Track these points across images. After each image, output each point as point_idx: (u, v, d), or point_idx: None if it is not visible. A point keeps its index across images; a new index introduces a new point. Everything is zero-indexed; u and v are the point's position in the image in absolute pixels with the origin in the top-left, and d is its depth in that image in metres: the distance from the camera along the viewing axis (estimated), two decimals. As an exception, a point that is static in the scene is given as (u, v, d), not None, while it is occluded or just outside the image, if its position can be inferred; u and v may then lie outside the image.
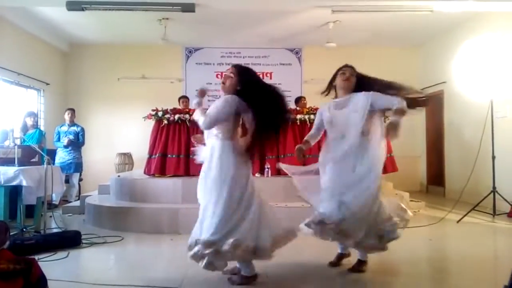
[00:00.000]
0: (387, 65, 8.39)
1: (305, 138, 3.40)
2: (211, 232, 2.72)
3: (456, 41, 6.83)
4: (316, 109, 5.61)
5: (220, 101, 2.85)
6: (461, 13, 6.16)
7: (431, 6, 5.33)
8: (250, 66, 9.26)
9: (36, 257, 3.34)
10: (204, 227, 2.79)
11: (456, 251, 4.02)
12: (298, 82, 8.75)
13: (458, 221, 5.08)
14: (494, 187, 5.31)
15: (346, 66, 3.17)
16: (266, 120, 2.78)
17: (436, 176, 8.12)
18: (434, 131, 8.16)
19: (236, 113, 2.83)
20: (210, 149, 2.87)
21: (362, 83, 3.09)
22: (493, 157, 5.35)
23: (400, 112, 2.81)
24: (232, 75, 2.88)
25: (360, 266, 3.13)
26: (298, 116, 5.61)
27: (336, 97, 3.20)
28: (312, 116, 5.58)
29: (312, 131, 3.37)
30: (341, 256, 3.28)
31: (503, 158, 5.55)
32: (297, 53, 8.83)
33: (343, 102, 3.08)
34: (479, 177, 5.80)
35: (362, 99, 2.97)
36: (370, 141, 2.98)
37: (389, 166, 5.67)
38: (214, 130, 2.84)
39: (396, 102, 2.84)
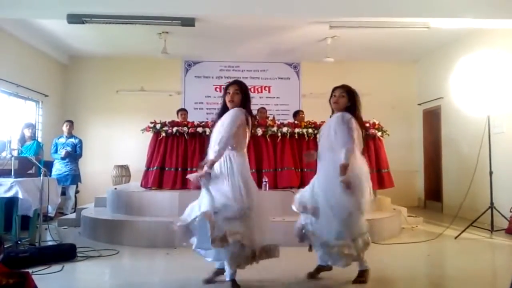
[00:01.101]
0: (384, 80, 8.49)
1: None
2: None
3: (453, 57, 6.90)
4: (314, 123, 5.66)
5: (230, 115, 3.06)
6: (457, 30, 6.25)
7: (427, 22, 5.39)
8: (249, 80, 9.38)
9: (30, 270, 3.30)
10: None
11: (454, 267, 3.99)
12: (296, 96, 8.80)
13: (456, 237, 5.06)
14: (492, 203, 5.30)
15: (336, 88, 3.34)
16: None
17: (433, 191, 8.12)
18: (431, 146, 8.18)
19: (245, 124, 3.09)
20: (224, 160, 3.01)
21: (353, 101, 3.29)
22: (491, 173, 5.35)
23: (342, 170, 3.02)
24: (238, 91, 3.15)
25: (361, 276, 3.13)
26: (296, 130, 5.62)
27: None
28: (310, 130, 5.59)
29: None
30: (320, 268, 3.30)
31: (500, 173, 5.55)
32: (295, 67, 8.90)
33: (328, 121, 3.39)
34: (476, 193, 5.79)
35: (330, 124, 3.26)
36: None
37: (387, 181, 5.67)
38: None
39: (343, 156, 3.04)
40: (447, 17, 5.22)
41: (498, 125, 5.81)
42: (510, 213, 5.44)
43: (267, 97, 8.67)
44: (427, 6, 5.15)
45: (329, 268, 3.29)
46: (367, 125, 5.63)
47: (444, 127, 7.71)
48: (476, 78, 5.40)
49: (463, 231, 5.18)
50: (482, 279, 3.47)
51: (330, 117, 3.39)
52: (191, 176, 3.04)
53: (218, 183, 2.98)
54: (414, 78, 8.71)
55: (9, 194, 4.08)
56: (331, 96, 3.33)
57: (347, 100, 3.25)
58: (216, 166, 3.00)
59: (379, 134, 5.75)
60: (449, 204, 7.27)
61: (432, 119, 8.20)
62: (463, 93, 5.62)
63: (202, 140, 5.55)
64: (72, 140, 6.75)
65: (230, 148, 3.03)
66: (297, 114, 7.03)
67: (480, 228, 5.35)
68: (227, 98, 3.19)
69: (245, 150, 3.18)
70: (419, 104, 8.37)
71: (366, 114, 5.96)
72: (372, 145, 5.69)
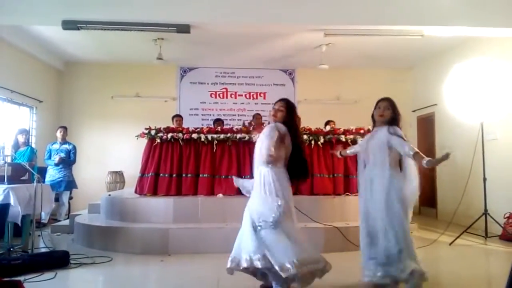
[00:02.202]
0: (379, 87, 8.50)
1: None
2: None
3: (447, 65, 6.96)
4: (309, 129, 5.67)
5: (268, 130, 3.13)
6: (451, 38, 6.31)
7: (421, 30, 5.44)
8: (244, 86, 9.37)
9: (23, 278, 3.27)
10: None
11: (448, 273, 3.99)
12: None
13: (450, 243, 5.07)
14: (485, 209, 5.32)
15: (380, 100, 3.34)
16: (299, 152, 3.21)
17: (428, 197, 8.13)
18: (425, 152, 8.12)
19: (281, 140, 3.11)
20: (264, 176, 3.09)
21: None
22: (484, 179, 5.38)
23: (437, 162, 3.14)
24: (283, 108, 3.23)
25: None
26: (291, 137, 5.61)
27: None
28: (305, 136, 5.60)
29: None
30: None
31: (494, 180, 5.58)
32: (290, 74, 8.93)
33: (373, 135, 3.38)
34: (470, 199, 5.82)
35: (381, 138, 3.25)
36: None
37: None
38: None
39: (424, 160, 3.11)
40: (441, 25, 5.27)
41: (491, 132, 5.85)
42: (504, 220, 5.47)
43: (262, 103, 8.67)
44: (421, 15, 5.20)
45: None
46: (362, 131, 5.66)
47: (438, 133, 7.75)
48: (470, 86, 5.45)
49: (458, 237, 5.20)
50: (477, 285, 3.48)
51: (371, 130, 3.46)
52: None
53: (255, 197, 3.10)
54: (408, 85, 8.76)
55: (2, 200, 4.04)
56: (375, 109, 3.33)
57: (392, 112, 3.25)
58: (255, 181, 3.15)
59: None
60: (444, 210, 7.29)
61: (426, 126, 8.25)
62: (457, 100, 5.67)
63: (197, 146, 5.55)
64: (66, 146, 6.71)
65: (265, 164, 3.09)
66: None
67: (475, 235, 5.37)
68: (272, 113, 3.27)
69: (282, 165, 3.18)
70: (413, 111, 8.43)
71: (361, 121, 6.02)
72: (366, 152, 5.71)
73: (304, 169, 3.25)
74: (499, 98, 5.30)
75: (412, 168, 3.20)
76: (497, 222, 5.33)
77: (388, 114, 3.23)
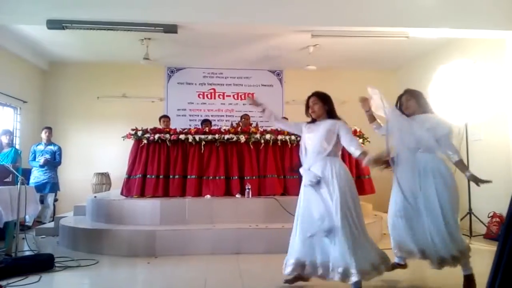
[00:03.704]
0: (365, 88, 8.60)
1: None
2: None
3: (432, 66, 7.03)
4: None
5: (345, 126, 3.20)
6: (436, 39, 6.41)
7: (407, 32, 5.51)
8: (232, 87, 9.35)
9: (6, 282, 3.22)
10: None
11: (433, 272, 4.03)
12: (279, 103, 8.84)
13: (436, 243, 5.12)
14: (470, 209, 5.41)
15: (402, 95, 3.56)
16: None
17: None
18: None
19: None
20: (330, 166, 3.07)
21: None
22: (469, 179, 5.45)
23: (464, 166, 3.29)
24: (316, 101, 3.26)
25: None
26: (279, 137, 5.64)
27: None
28: (293, 137, 5.62)
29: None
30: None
31: (478, 180, 5.66)
32: (278, 74, 8.95)
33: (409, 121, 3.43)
34: (455, 199, 5.89)
35: (423, 123, 3.36)
36: None
37: (367, 188, 5.73)
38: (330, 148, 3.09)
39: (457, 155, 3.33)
40: (426, 27, 5.35)
41: (476, 132, 5.95)
42: (488, 219, 5.56)
43: (250, 104, 8.65)
44: (406, 16, 5.27)
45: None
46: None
47: (423, 134, 7.84)
48: (454, 87, 5.53)
49: (443, 236, 5.26)
50: (461, 283, 3.52)
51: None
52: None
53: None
54: (394, 87, 8.77)
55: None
56: (396, 103, 3.46)
57: (416, 103, 3.39)
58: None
59: (360, 141, 5.82)
60: (429, 210, 7.37)
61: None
62: (441, 102, 5.74)
63: (184, 147, 5.53)
64: (51, 147, 6.62)
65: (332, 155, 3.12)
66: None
67: (459, 234, 5.43)
68: (310, 111, 3.28)
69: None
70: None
71: (348, 121, 6.04)
72: (353, 152, 5.76)
73: None
74: (483, 100, 5.39)
75: None
76: (481, 222, 5.42)
77: (412, 104, 3.37)
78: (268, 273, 3.20)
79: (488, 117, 5.59)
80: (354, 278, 2.80)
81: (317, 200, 3.03)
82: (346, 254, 2.84)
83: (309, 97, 3.35)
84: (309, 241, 3.00)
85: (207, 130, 5.65)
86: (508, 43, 5.69)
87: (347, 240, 2.86)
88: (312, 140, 3.20)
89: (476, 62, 5.69)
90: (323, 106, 3.27)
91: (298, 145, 5.57)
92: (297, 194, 5.52)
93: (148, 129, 5.50)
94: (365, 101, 3.54)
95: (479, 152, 5.97)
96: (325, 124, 3.18)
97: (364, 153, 2.98)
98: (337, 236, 2.89)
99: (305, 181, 3.16)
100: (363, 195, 5.76)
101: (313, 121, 3.34)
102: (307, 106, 3.32)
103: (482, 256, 4.69)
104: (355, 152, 3.05)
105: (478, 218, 5.39)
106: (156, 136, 5.44)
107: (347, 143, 3.10)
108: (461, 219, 5.44)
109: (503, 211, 5.53)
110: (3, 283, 3.20)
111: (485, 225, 5.45)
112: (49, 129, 6.75)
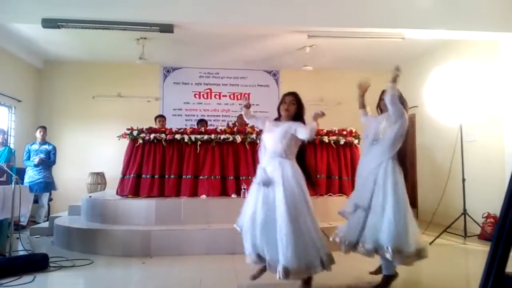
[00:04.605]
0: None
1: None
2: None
3: (427, 67, 7.07)
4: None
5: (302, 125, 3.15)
6: (431, 41, 6.44)
7: (402, 33, 5.53)
8: (228, 87, 9.34)
9: (-1, 282, 3.20)
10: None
11: (428, 272, 4.06)
12: (275, 103, 8.67)
13: (430, 243, 5.15)
14: (464, 209, 5.43)
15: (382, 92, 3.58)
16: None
17: (409, 198, 8.23)
18: (406, 153, 8.32)
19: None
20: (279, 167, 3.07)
21: None
22: (463, 180, 5.49)
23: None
24: (295, 102, 3.28)
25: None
26: (275, 138, 5.62)
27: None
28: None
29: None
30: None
31: (473, 181, 5.70)
32: (274, 75, 8.96)
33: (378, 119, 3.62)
34: (450, 199, 5.93)
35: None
36: None
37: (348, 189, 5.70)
38: (283, 150, 3.09)
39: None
40: (421, 28, 5.37)
41: (470, 133, 5.98)
42: (483, 219, 5.59)
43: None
44: (402, 18, 5.28)
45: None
46: (344, 132, 5.73)
47: (418, 135, 7.88)
48: (449, 88, 5.56)
49: (437, 237, 5.29)
50: (455, 284, 3.55)
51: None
52: None
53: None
54: (390, 87, 8.88)
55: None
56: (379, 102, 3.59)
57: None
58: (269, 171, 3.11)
59: (355, 141, 5.84)
60: (424, 210, 7.41)
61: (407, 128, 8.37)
62: (436, 102, 5.77)
63: (180, 147, 5.51)
64: (46, 146, 6.59)
65: (284, 156, 3.11)
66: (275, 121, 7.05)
67: (454, 234, 5.47)
68: (283, 107, 3.27)
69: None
70: (395, 113, 8.53)
71: (343, 122, 6.08)
72: (348, 153, 5.78)
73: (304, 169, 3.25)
74: (478, 101, 5.42)
75: None
76: (476, 222, 5.44)
77: (293, 109, 3.30)
78: (264, 273, 3.19)
79: (483, 118, 5.63)
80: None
81: (262, 201, 3.06)
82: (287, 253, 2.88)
83: (287, 95, 3.36)
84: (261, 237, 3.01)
85: (203, 130, 5.64)
86: (502, 45, 5.73)
87: (291, 239, 2.89)
88: (270, 140, 3.23)
89: (471, 63, 5.72)
90: (296, 109, 3.29)
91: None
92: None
93: (144, 129, 5.48)
94: (364, 85, 3.68)
95: (473, 153, 6.00)
96: (284, 126, 3.20)
97: (315, 117, 3.08)
98: (283, 235, 2.91)
99: (257, 179, 3.18)
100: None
101: (278, 118, 3.38)
102: (283, 102, 3.33)
103: (477, 257, 4.72)
104: (307, 125, 3.13)
105: (473, 219, 5.42)
106: (152, 135, 5.42)
107: (300, 129, 3.10)
108: (456, 220, 5.48)
109: (497, 212, 5.55)
110: (-3, 283, 3.18)
111: (479, 226, 5.48)
112: (44, 128, 6.72)
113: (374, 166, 3.28)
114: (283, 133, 3.14)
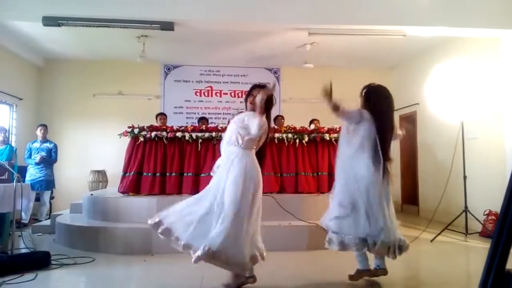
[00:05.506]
0: (362, 86, 8.62)
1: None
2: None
3: (428, 64, 7.07)
4: (294, 128, 5.71)
5: (257, 120, 3.10)
6: (432, 38, 6.43)
7: (403, 30, 5.52)
8: (229, 85, 9.31)
9: (1, 280, 3.21)
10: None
11: (429, 269, 4.07)
12: (276, 101, 8.82)
13: (431, 240, 5.16)
14: (466, 207, 5.43)
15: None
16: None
17: (410, 195, 8.27)
18: (408, 151, 8.34)
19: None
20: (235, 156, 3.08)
21: None
22: (465, 177, 5.49)
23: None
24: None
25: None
26: (276, 135, 5.64)
27: None
28: (289, 135, 5.62)
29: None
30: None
31: (474, 178, 5.70)
32: (275, 72, 8.95)
33: None
34: (451, 197, 5.93)
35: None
36: None
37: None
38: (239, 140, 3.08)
39: None
40: (422, 26, 5.35)
41: (471, 130, 5.97)
42: (484, 217, 5.59)
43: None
44: (403, 15, 5.27)
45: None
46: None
47: (419, 132, 7.88)
48: (450, 85, 5.55)
49: (439, 234, 5.29)
50: (457, 281, 3.55)
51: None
52: None
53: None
54: (390, 85, 8.73)
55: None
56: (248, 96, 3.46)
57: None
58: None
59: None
60: (425, 207, 7.42)
61: (408, 125, 8.37)
62: (438, 100, 5.76)
63: (181, 144, 5.52)
64: (47, 144, 6.60)
65: (240, 145, 3.09)
66: (276, 119, 7.06)
67: (455, 231, 5.47)
68: (250, 100, 3.28)
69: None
70: (396, 110, 8.51)
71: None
72: (350, 150, 5.76)
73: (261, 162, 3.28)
74: (479, 98, 5.41)
75: None
76: (477, 219, 5.44)
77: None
78: (265, 270, 3.20)
79: (484, 116, 5.62)
80: (198, 253, 2.85)
81: (211, 189, 3.11)
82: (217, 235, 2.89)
83: (254, 88, 3.41)
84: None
85: (204, 128, 5.64)
86: (503, 41, 5.71)
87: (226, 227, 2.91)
88: (229, 131, 3.24)
89: (472, 60, 5.71)
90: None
91: (294, 143, 5.59)
92: (294, 192, 5.56)
93: (145, 127, 5.49)
94: (327, 91, 3.54)
95: (475, 150, 6.00)
96: (241, 116, 3.23)
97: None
98: (219, 222, 2.93)
99: (214, 167, 3.23)
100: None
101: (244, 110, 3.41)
102: (250, 94, 3.34)
103: (479, 254, 4.72)
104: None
105: (474, 216, 5.42)
106: (153, 133, 5.42)
107: (252, 122, 3.10)
108: (457, 217, 5.48)
109: (499, 209, 5.55)
110: (-1, 280, 3.20)
111: (480, 223, 5.48)
112: (45, 126, 6.73)
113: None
114: (239, 123, 3.16)
